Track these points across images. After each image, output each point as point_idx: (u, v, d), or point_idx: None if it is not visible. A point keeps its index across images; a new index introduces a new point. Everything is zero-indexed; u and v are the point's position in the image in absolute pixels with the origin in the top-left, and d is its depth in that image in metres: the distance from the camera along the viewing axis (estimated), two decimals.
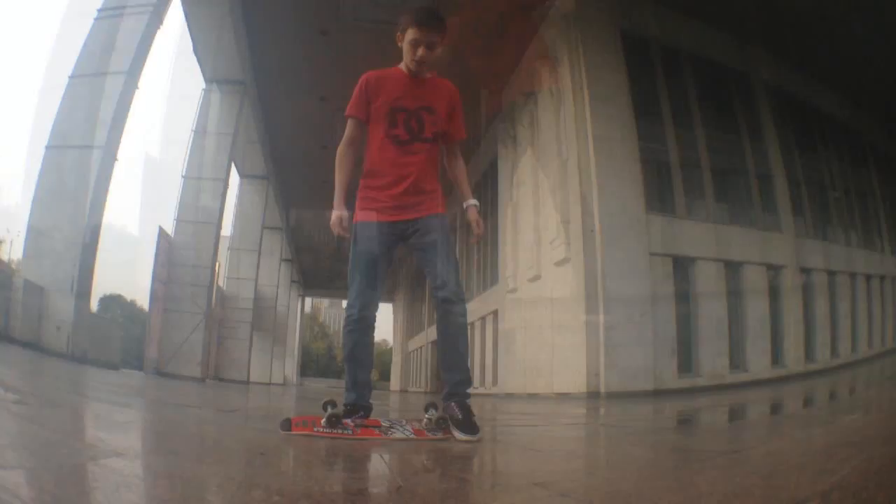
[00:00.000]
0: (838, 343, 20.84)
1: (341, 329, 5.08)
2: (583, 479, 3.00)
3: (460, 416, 4.32)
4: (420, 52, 4.37)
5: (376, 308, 4.58)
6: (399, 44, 4.50)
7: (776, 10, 19.48)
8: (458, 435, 4.27)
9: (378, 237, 4.52)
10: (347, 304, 4.53)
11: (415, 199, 4.52)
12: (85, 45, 15.39)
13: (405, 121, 4.51)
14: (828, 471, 2.30)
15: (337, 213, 4.59)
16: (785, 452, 3.43)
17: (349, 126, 4.66)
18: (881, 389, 11.91)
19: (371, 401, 4.54)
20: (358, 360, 4.54)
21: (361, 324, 4.49)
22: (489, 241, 27.23)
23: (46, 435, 3.22)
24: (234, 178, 29.25)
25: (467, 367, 4.65)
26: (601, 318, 16.78)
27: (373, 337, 4.67)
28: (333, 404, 4.23)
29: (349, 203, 4.61)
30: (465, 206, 4.73)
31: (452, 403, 4.39)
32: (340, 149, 4.70)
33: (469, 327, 27.27)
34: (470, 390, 4.57)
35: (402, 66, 4.56)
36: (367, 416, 4.44)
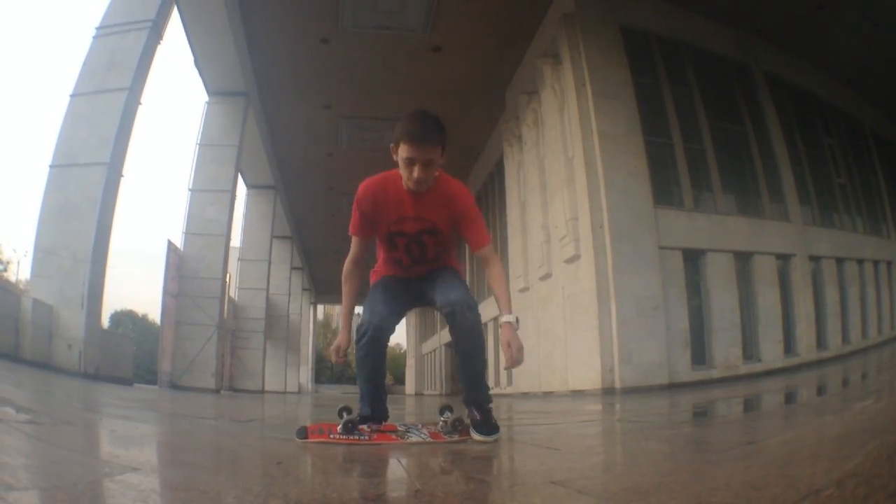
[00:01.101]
0: (849, 330, 20.82)
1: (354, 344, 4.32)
2: (600, 475, 2.95)
3: (479, 417, 4.23)
4: (416, 172, 3.96)
5: (390, 327, 4.32)
6: (393, 157, 4.09)
7: (774, 0, 19.33)
8: (475, 436, 4.21)
9: (392, 279, 4.45)
10: (360, 322, 4.27)
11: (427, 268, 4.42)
12: (85, 63, 15.26)
13: (406, 246, 4.33)
14: (842, 458, 2.19)
15: (338, 341, 4.40)
16: (800, 441, 3.31)
17: (353, 244, 4.45)
18: (893, 374, 11.17)
19: (387, 405, 4.44)
20: (370, 375, 4.34)
21: (374, 336, 4.20)
22: (499, 241, 27.29)
23: (61, 453, 3.09)
24: (241, 188, 29.34)
25: (483, 374, 4.40)
26: (613, 313, 16.55)
27: (385, 351, 4.37)
28: (349, 410, 4.18)
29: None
30: (500, 322, 4.22)
31: (473, 407, 4.26)
32: (347, 266, 4.52)
33: (483, 328, 27.48)
34: (490, 392, 4.41)
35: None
36: (382, 422, 4.31)
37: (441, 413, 4.39)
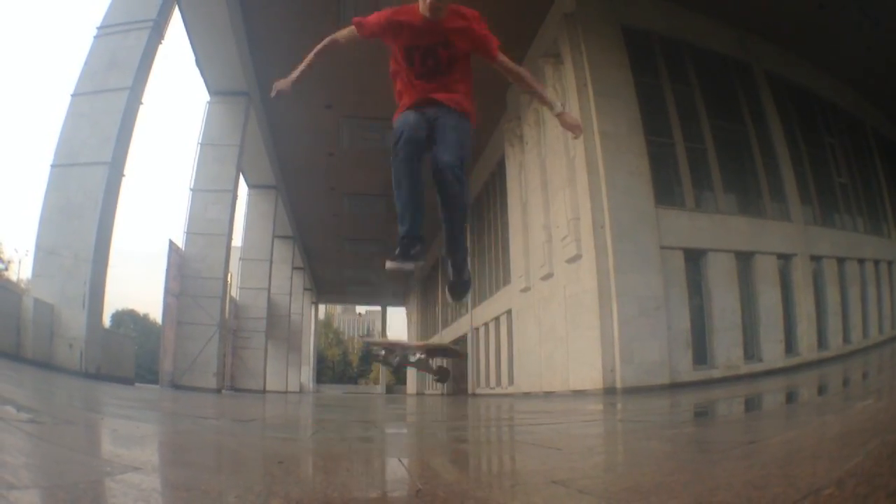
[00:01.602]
0: (850, 329, 20.74)
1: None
2: (602, 475, 3.01)
3: (452, 278, 4.78)
4: (431, 1, 4.26)
5: (421, 135, 4.43)
6: None
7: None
8: (448, 298, 4.77)
9: (410, 115, 4.48)
10: (394, 129, 4.49)
11: (442, 93, 4.53)
12: (86, 63, 15.21)
13: (422, 57, 4.51)
14: (843, 457, 2.27)
15: (283, 81, 4.66)
16: (801, 441, 3.37)
17: (348, 30, 4.65)
18: (894, 374, 11.42)
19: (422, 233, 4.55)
20: (407, 183, 4.47)
21: (410, 137, 4.39)
22: (501, 241, 27.54)
23: (62, 452, 3.11)
24: (243, 188, 29.36)
25: (460, 233, 4.73)
26: (615, 313, 16.58)
27: (421, 161, 4.53)
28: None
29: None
30: (554, 114, 4.65)
31: (448, 262, 4.75)
32: (322, 43, 4.75)
33: (483, 327, 27.33)
34: (466, 253, 4.92)
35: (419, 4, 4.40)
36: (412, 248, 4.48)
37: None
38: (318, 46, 4.71)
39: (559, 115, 4.59)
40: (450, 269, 4.74)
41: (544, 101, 4.83)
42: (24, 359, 12.71)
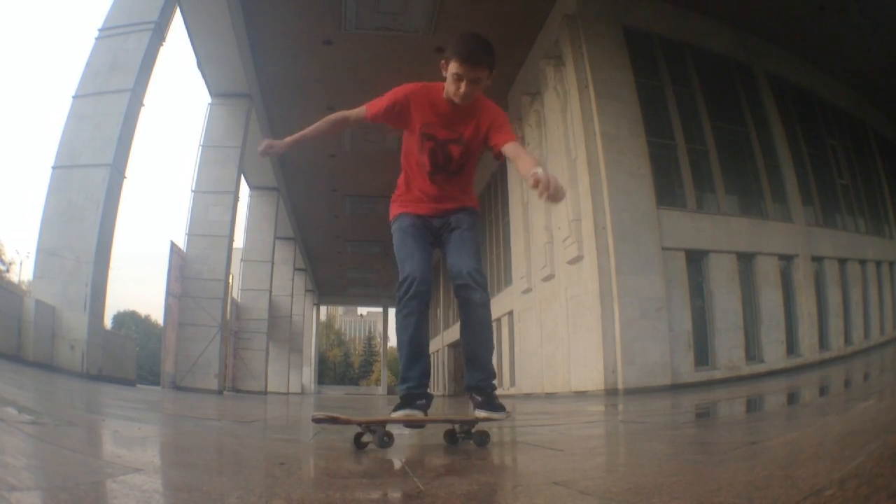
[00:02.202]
0: (851, 330, 20.75)
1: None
2: (603, 476, 3.01)
3: (480, 399, 4.31)
4: (463, 88, 4.10)
5: (429, 280, 4.37)
6: (443, 72, 4.18)
7: (774, 0, 19.35)
8: (479, 413, 4.25)
9: (413, 222, 4.47)
10: (401, 276, 4.36)
11: (446, 199, 4.49)
12: (88, 64, 15.19)
13: (432, 150, 4.38)
14: (844, 458, 2.26)
15: (277, 141, 4.56)
16: (802, 442, 3.35)
17: (358, 111, 4.51)
18: (895, 374, 11.34)
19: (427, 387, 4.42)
20: (412, 338, 4.38)
21: (418, 291, 4.32)
22: (502, 242, 27.66)
23: (63, 454, 3.11)
24: (244, 190, 29.45)
25: (489, 361, 4.44)
26: (616, 314, 16.49)
27: (427, 312, 4.46)
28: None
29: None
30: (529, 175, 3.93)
31: (473, 392, 4.36)
32: (338, 112, 4.59)
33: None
34: (495, 382, 4.45)
35: (444, 90, 4.26)
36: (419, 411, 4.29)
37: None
38: (328, 118, 4.58)
39: (532, 175, 3.77)
40: (477, 396, 4.37)
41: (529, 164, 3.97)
42: (26, 360, 12.65)
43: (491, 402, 4.27)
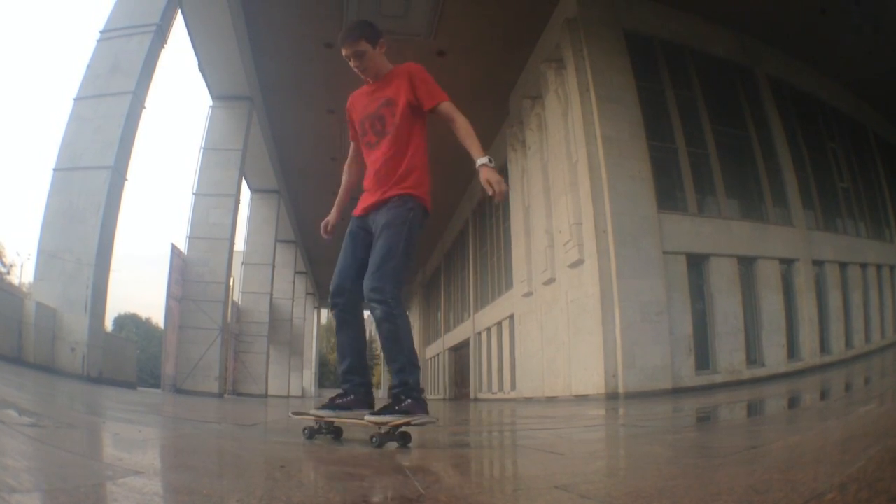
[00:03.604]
0: (852, 334, 20.72)
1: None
2: (604, 480, 2.98)
3: (390, 402, 4.40)
4: (354, 63, 4.67)
5: (344, 293, 4.74)
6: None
7: (775, 3, 19.36)
8: (367, 417, 4.37)
9: (350, 229, 4.86)
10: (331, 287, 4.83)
11: (376, 190, 4.68)
12: (89, 67, 15.11)
13: (371, 125, 4.76)
14: (845, 462, 2.26)
15: (328, 217, 5.24)
16: (803, 445, 3.39)
17: (350, 148, 5.19)
18: None
19: (370, 389, 4.81)
20: (339, 347, 4.89)
21: (334, 311, 4.81)
22: (503, 245, 27.62)
23: (63, 456, 3.09)
24: (245, 192, 29.46)
25: (399, 374, 4.48)
26: (617, 318, 16.43)
27: (358, 319, 4.85)
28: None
29: (345, 212, 5.11)
30: (477, 167, 4.44)
31: (391, 399, 4.42)
32: (346, 164, 5.24)
33: (485, 332, 27.20)
34: (409, 387, 4.47)
35: None
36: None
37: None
38: (344, 173, 5.25)
39: (478, 169, 4.43)
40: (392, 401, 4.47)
41: (472, 153, 4.53)
42: (26, 362, 12.56)
43: (389, 408, 4.32)
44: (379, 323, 4.42)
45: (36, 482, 2.31)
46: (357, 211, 4.79)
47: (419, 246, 4.85)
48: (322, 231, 5.18)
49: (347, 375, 4.71)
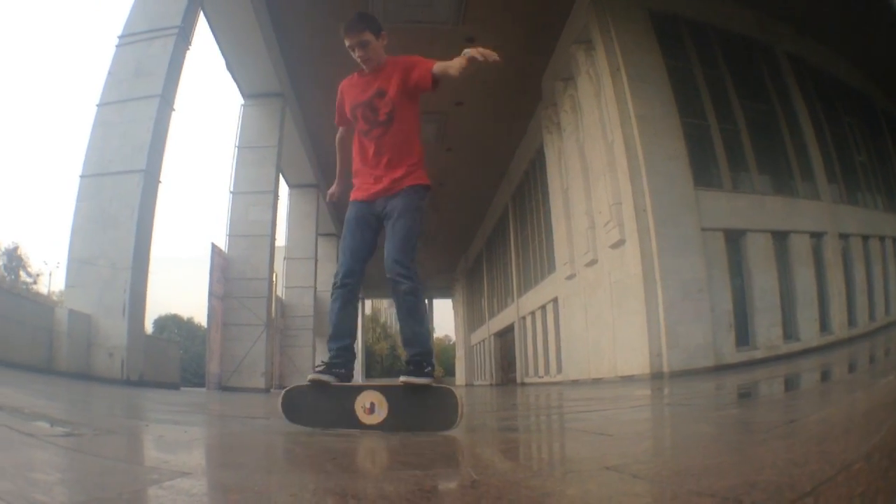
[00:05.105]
0: (875, 306, 19.53)
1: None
2: (653, 460, 2.81)
3: (410, 368, 4.32)
4: (358, 52, 4.44)
5: (356, 275, 4.60)
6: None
7: None
8: (401, 378, 4.29)
9: (356, 213, 4.61)
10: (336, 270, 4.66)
11: (385, 178, 4.54)
12: (110, 72, 14.51)
13: (363, 114, 4.56)
14: (870, 433, 2.35)
15: (332, 188, 5.14)
16: (834, 418, 3.40)
17: (339, 130, 4.98)
18: None
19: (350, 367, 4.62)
20: (333, 322, 4.62)
21: (342, 290, 4.56)
22: (544, 228, 27.15)
23: (103, 464, 2.66)
24: (283, 188, 28.49)
25: (422, 343, 4.46)
26: (660, 297, 15.60)
27: (355, 303, 4.71)
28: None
29: (346, 184, 5.00)
30: (464, 63, 3.98)
31: (409, 366, 4.37)
32: (336, 140, 5.05)
33: (530, 316, 26.29)
34: (428, 356, 4.48)
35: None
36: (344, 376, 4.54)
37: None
38: (337, 144, 5.04)
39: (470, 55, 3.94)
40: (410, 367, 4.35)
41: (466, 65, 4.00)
42: (59, 371, 11.85)
43: (418, 371, 4.29)
44: (404, 296, 4.38)
45: (71, 494, 1.99)
46: (363, 196, 4.60)
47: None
48: (328, 198, 5.20)
49: (345, 353, 4.53)
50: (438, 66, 4.30)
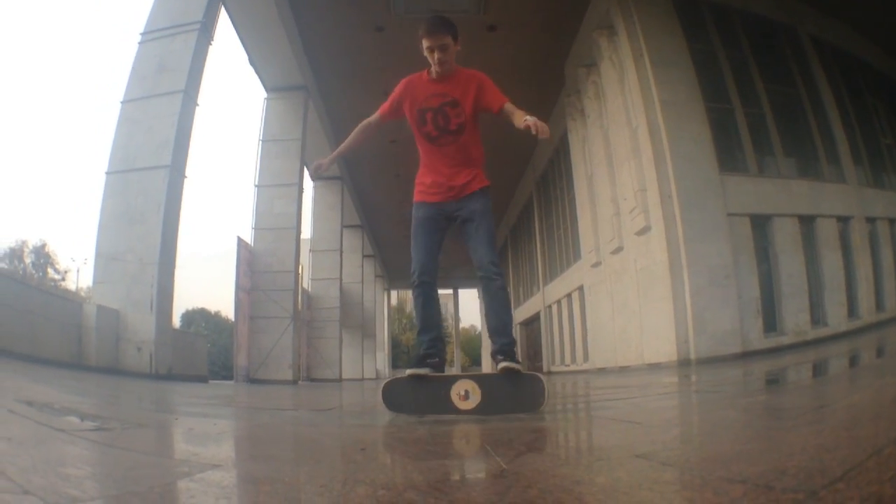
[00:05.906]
0: None
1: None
2: (682, 447, 2.78)
3: (502, 356, 4.54)
4: (437, 54, 4.49)
5: (433, 272, 4.80)
6: (422, 53, 4.58)
7: None
8: (502, 363, 4.48)
9: (427, 214, 4.78)
10: (412, 267, 4.80)
11: (456, 183, 4.74)
12: (133, 69, 14.61)
13: (433, 118, 4.66)
14: None
15: (323, 160, 5.24)
16: (864, 403, 3.31)
17: (375, 115, 4.97)
18: None
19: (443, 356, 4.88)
20: (421, 317, 4.87)
21: (421, 287, 4.75)
22: (569, 216, 27.01)
23: (134, 458, 2.69)
24: (308, 181, 28.47)
25: (510, 333, 4.74)
26: (686, 283, 15.38)
27: (435, 296, 4.92)
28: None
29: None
30: (522, 125, 4.29)
31: (498, 355, 4.60)
32: (362, 122, 5.06)
33: (556, 305, 26.16)
34: (514, 346, 4.74)
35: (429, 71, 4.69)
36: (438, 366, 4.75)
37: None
38: (357, 128, 5.04)
39: (521, 118, 4.35)
40: (500, 357, 4.61)
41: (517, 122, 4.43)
42: (88, 366, 11.86)
43: (511, 357, 4.52)
44: (497, 291, 4.67)
45: (102, 489, 1.99)
46: (434, 199, 4.79)
47: None
48: (314, 168, 5.26)
49: (436, 343, 4.78)
50: (509, 107, 4.52)
